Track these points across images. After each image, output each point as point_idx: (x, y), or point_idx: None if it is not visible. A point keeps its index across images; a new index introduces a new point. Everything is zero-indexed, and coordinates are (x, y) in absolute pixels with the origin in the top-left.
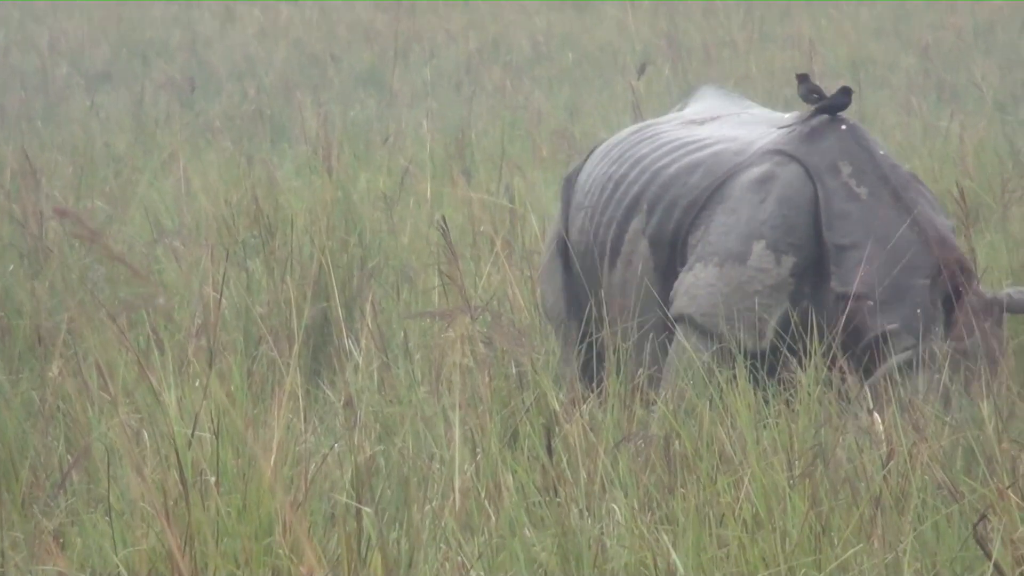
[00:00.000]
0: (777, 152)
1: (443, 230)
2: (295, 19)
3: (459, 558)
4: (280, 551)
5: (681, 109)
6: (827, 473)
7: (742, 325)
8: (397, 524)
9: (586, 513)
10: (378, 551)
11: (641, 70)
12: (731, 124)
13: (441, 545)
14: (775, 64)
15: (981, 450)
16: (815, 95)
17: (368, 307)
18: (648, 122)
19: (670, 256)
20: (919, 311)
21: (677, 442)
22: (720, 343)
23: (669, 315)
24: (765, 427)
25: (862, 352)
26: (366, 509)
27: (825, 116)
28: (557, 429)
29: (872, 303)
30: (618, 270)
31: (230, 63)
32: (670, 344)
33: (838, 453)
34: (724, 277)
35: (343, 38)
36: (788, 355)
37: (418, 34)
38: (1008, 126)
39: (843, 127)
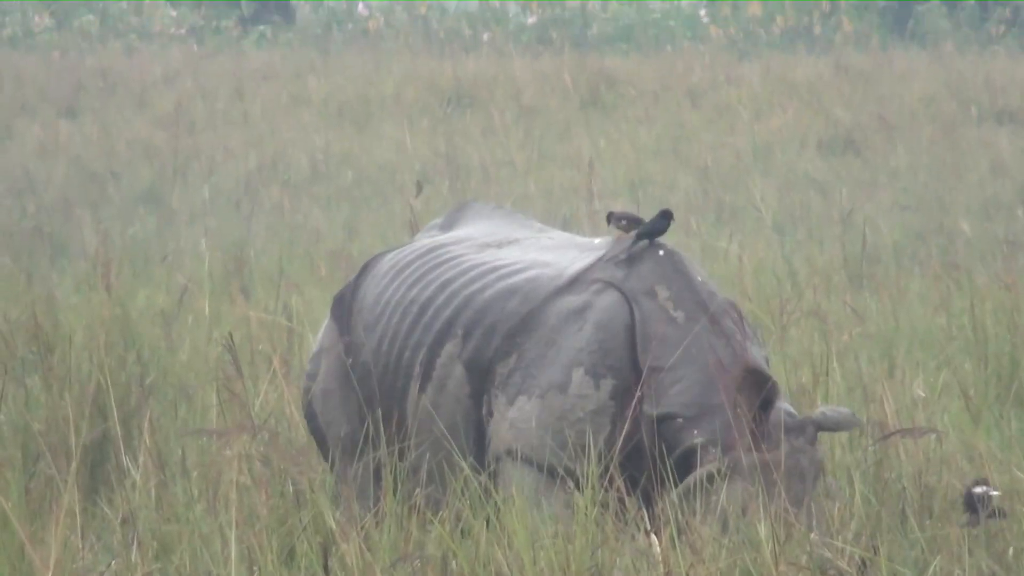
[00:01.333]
0: (594, 280)
1: (229, 346)
2: (74, 136)
3: None
4: None
5: (445, 228)
6: None
7: (567, 453)
8: None
9: None
10: None
11: (419, 189)
12: (536, 248)
13: None
14: (554, 183)
15: (758, 572)
16: (623, 221)
17: (146, 424)
18: (437, 242)
19: (482, 382)
20: (727, 424)
21: (454, 562)
22: (549, 474)
23: (491, 449)
24: (542, 548)
25: (674, 469)
26: None
27: (644, 241)
28: (334, 548)
29: (681, 420)
30: (429, 394)
31: (9, 180)
32: (447, 464)
33: (615, 574)
34: (547, 408)
35: (122, 155)
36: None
37: (197, 151)
38: (786, 247)
39: (661, 252)
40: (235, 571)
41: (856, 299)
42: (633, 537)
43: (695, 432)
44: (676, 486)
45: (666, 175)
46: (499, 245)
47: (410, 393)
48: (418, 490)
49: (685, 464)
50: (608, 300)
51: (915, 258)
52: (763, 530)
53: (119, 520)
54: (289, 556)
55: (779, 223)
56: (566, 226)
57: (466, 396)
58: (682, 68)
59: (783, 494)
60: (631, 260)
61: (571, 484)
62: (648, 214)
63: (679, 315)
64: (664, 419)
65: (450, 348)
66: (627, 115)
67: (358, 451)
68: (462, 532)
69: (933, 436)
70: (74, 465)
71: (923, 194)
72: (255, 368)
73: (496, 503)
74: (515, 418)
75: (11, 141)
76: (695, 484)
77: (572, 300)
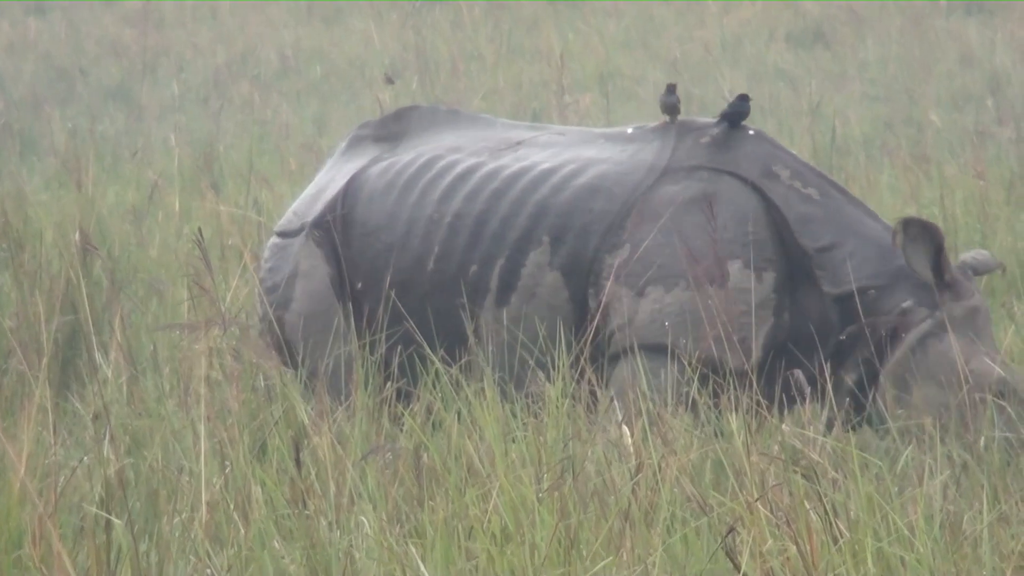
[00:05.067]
0: (696, 167)
1: (199, 241)
2: (43, 33)
3: (208, 570)
4: (30, 564)
5: (391, 138)
6: (576, 486)
7: (728, 346)
8: (147, 536)
9: (335, 526)
10: (128, 563)
11: (388, 80)
12: (561, 146)
13: (191, 557)
14: (523, 77)
15: (730, 463)
16: (678, 101)
17: (117, 320)
18: (434, 153)
19: (583, 284)
20: (919, 284)
21: (426, 455)
22: (701, 366)
23: (617, 339)
24: (513, 440)
25: (879, 343)
26: (116, 521)
27: (725, 124)
28: (306, 442)
29: (873, 291)
30: (513, 305)
31: None
32: (419, 357)
33: (587, 466)
34: (701, 300)
35: (91, 52)
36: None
37: (166, 48)
38: None
39: (751, 132)
40: (207, 466)
41: None
42: (605, 429)
43: (897, 299)
44: (862, 360)
45: (635, 68)
46: (511, 148)
47: (484, 306)
48: (389, 384)
49: (887, 334)
50: (731, 189)
51: (884, 149)
52: (734, 421)
53: (91, 415)
54: (261, 450)
55: (748, 116)
56: (536, 120)
57: (565, 301)
58: None
59: (985, 337)
60: (723, 144)
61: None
62: (618, 107)
63: (812, 192)
64: (850, 296)
65: (536, 257)
66: (596, 8)
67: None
68: (433, 425)
69: None
70: (45, 361)
71: (892, 85)
72: (226, 263)
73: (467, 396)
74: (654, 310)
75: None
76: (912, 347)
77: (679, 189)
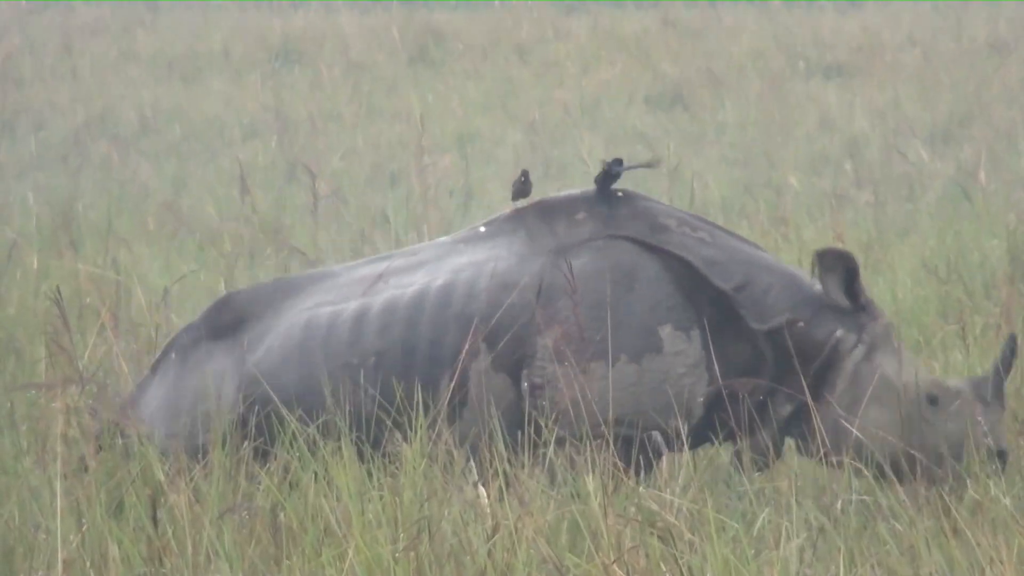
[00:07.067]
0: (588, 240)
1: (57, 300)
2: None
3: None
4: None
5: (228, 327)
6: (432, 546)
7: (673, 412)
8: None
9: None
10: None
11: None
12: (431, 262)
13: None
14: (382, 138)
15: (586, 524)
16: (525, 193)
17: None
18: (300, 316)
19: (523, 362)
20: (838, 311)
21: (283, 514)
22: (651, 434)
23: (567, 422)
24: (370, 500)
25: (819, 370)
26: None
27: (593, 190)
28: (163, 499)
29: (802, 323)
30: (467, 420)
31: None
32: (265, 422)
33: (443, 526)
34: (647, 372)
35: None
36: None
37: (25, 106)
38: None
39: (620, 194)
40: (63, 523)
41: None
42: (461, 489)
43: (828, 328)
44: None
45: (494, 130)
46: (377, 282)
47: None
48: (246, 443)
49: (823, 364)
50: (632, 253)
51: (743, 212)
52: (591, 482)
53: None
54: (118, 508)
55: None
56: (394, 180)
57: (513, 400)
58: (510, 23)
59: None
60: (600, 213)
61: (658, 442)
62: (476, 169)
63: (703, 235)
64: (779, 329)
65: (479, 366)
66: (455, 70)
67: None
68: (290, 484)
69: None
70: None
71: (751, 148)
72: (84, 322)
73: (324, 456)
74: (601, 388)
75: None
76: (852, 374)
77: (582, 263)
